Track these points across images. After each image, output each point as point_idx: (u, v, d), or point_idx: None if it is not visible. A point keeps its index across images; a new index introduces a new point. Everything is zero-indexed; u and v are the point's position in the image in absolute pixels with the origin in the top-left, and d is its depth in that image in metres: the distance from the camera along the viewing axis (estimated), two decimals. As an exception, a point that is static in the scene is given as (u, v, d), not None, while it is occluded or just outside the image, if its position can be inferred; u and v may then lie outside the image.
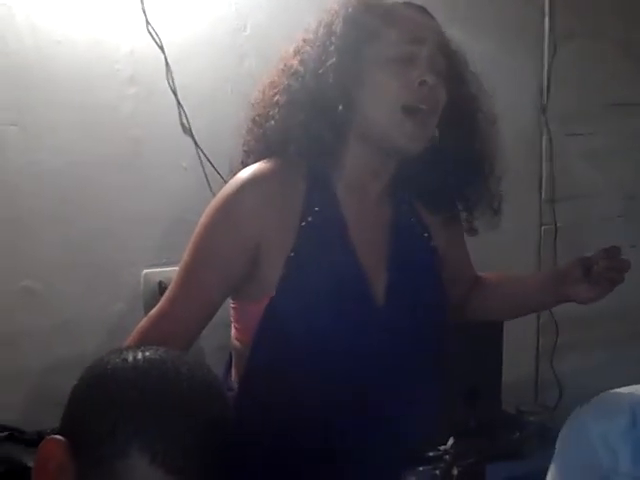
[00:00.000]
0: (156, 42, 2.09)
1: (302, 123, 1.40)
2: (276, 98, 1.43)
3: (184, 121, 2.15)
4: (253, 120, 1.49)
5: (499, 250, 2.46)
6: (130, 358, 0.97)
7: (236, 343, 1.52)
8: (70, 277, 2.07)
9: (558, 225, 2.71)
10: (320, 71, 1.40)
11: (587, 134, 2.70)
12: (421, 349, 1.49)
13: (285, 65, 1.46)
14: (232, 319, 1.53)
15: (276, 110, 1.43)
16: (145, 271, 2.15)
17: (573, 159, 2.69)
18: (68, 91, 2.02)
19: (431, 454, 1.33)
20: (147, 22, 2.07)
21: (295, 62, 1.44)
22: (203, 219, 1.44)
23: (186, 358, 1.02)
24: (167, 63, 2.10)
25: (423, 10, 1.47)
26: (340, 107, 1.39)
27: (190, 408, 0.94)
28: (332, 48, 1.41)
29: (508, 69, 2.44)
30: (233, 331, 1.53)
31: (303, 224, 1.42)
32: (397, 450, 1.52)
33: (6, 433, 1.94)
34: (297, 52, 1.45)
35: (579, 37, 2.63)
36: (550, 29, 2.61)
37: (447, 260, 1.59)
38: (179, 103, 2.13)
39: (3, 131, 1.99)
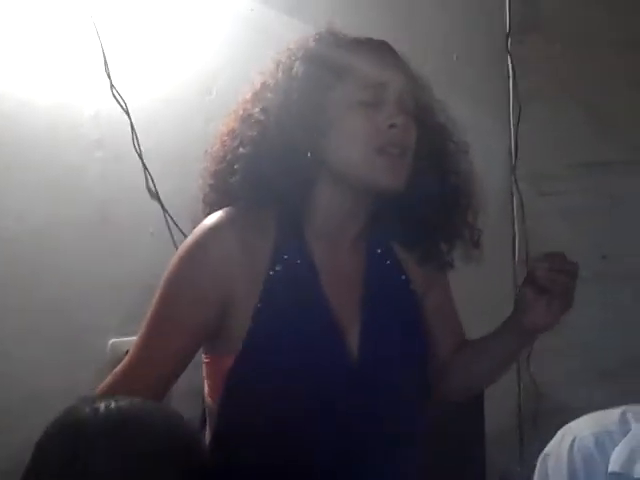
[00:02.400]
0: (121, 105, 2.08)
1: (270, 175, 1.35)
2: (239, 150, 1.39)
3: (150, 185, 2.12)
4: (214, 173, 1.43)
5: (474, 312, 2.42)
6: (102, 408, 0.92)
7: (208, 400, 1.45)
8: (33, 347, 2.00)
9: (534, 286, 2.67)
10: (284, 120, 1.36)
11: (558, 193, 2.69)
12: (400, 404, 1.42)
13: (244, 112, 1.41)
14: (204, 375, 1.46)
15: (241, 163, 1.38)
16: (112, 340, 2.08)
17: (545, 219, 2.68)
18: (31, 154, 1.99)
19: None
20: (112, 85, 2.06)
21: (256, 110, 1.39)
22: (167, 270, 1.39)
23: (161, 408, 0.97)
24: (132, 126, 2.08)
25: (386, 45, 1.44)
26: (309, 154, 1.35)
27: (165, 462, 0.90)
28: (295, 95, 1.37)
29: (475, 132, 2.44)
30: (206, 388, 1.46)
31: (271, 273, 1.36)
32: None
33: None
34: (257, 99, 1.41)
35: (543, 98, 2.66)
36: (514, 90, 2.64)
37: (428, 306, 1.52)
38: (145, 167, 2.11)
39: (-38, 196, 1.95)
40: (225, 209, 1.39)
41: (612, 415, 1.44)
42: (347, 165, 1.37)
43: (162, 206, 2.13)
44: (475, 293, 2.45)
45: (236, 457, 1.38)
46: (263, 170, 1.35)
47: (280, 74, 1.40)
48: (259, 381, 1.34)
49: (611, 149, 2.74)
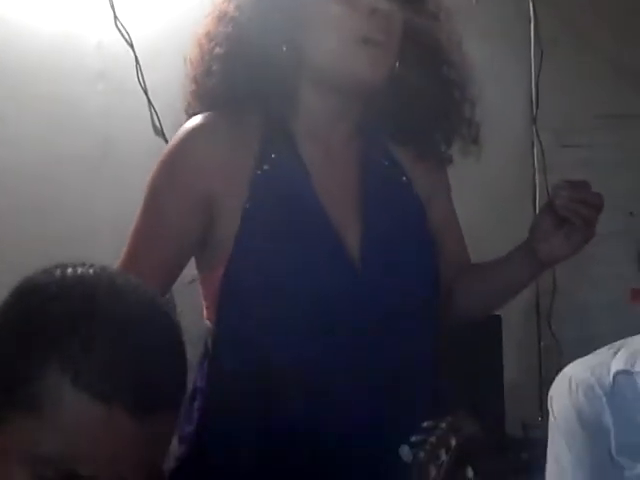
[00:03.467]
0: (125, 38, 2.03)
1: (247, 74, 1.29)
2: (215, 50, 1.32)
3: (155, 121, 2.07)
4: (194, 79, 1.36)
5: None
6: (58, 273, 0.84)
7: (206, 323, 1.37)
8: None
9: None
10: (257, 13, 1.29)
11: (581, 146, 2.61)
12: (408, 310, 1.32)
13: (220, 12, 1.33)
14: (202, 298, 1.39)
15: (218, 64, 1.31)
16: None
17: (567, 171, 2.58)
18: (33, 83, 1.95)
19: (424, 424, 1.16)
20: (115, 17, 2.01)
21: (231, 7, 1.32)
22: (151, 176, 1.33)
23: (129, 277, 0.89)
24: (137, 60, 2.03)
25: None
26: (284, 48, 1.28)
27: (123, 327, 0.81)
28: None
29: (496, 78, 2.37)
30: (204, 312, 1.38)
31: (258, 172, 1.29)
32: (383, 435, 1.30)
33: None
34: None
35: (566, 46, 2.57)
36: (535, 37, 2.55)
37: (431, 218, 1.42)
38: (150, 102, 2.05)
39: (-35, 127, 1.92)
40: (205, 113, 1.33)
41: (604, 350, 1.50)
42: (325, 58, 1.29)
43: (167, 143, 2.07)
44: (495, 245, 2.37)
45: (232, 375, 1.30)
46: (240, 69, 1.29)
47: None
48: (252, 287, 1.27)
49: (637, 102, 2.65)
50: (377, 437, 1.30)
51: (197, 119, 1.32)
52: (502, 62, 2.48)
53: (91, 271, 0.85)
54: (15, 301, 0.84)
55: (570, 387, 1.45)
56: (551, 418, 1.53)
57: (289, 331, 1.27)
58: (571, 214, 1.29)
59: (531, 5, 2.54)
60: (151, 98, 2.05)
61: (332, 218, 1.31)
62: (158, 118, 2.06)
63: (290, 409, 1.28)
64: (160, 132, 2.07)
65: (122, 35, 2.02)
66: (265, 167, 1.29)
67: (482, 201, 2.53)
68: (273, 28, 1.28)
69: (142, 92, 2.04)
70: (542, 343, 2.61)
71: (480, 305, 1.50)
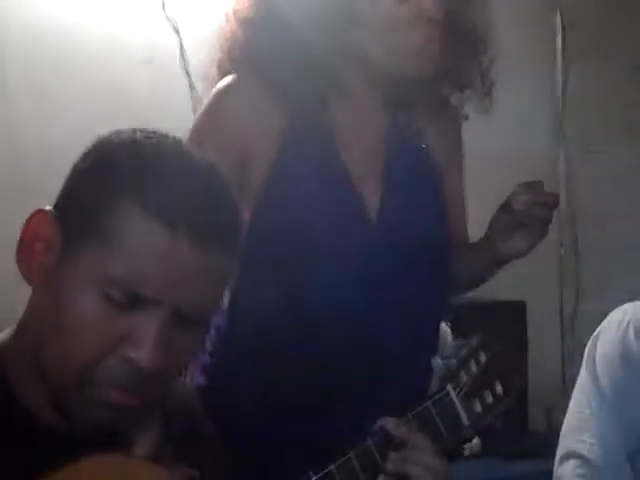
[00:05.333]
0: (172, 26, 2.14)
1: (287, 57, 1.34)
2: (259, 36, 1.35)
3: (196, 105, 2.16)
4: (229, 47, 1.39)
5: (517, 272, 2.39)
6: (128, 131, 0.90)
7: None
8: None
9: (579, 246, 2.64)
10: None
11: (606, 154, 2.67)
12: (419, 271, 1.38)
13: None
14: None
15: (258, 43, 1.36)
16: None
17: (593, 179, 2.65)
18: (83, 68, 2.07)
19: (455, 343, 1.20)
20: (163, 6, 2.12)
21: None
22: (187, 136, 1.36)
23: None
24: (182, 47, 2.14)
25: None
26: (334, 43, 1.34)
27: (187, 170, 0.88)
28: None
29: (522, 87, 2.45)
30: None
31: (288, 129, 1.36)
32: (396, 393, 1.34)
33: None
34: None
35: (592, 57, 2.65)
36: (563, 47, 2.64)
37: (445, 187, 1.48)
38: (191, 86, 2.15)
39: (17, 104, 2.02)
40: (238, 73, 1.37)
41: None
42: (386, 57, 1.36)
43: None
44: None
45: (251, 311, 1.35)
46: (281, 53, 1.34)
47: None
48: (274, 236, 1.34)
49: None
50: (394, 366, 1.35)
51: (232, 77, 1.37)
52: (529, 71, 2.56)
53: (159, 134, 0.91)
54: (88, 152, 0.90)
55: (621, 323, 1.42)
56: (589, 353, 1.46)
57: (306, 277, 1.33)
58: (529, 218, 1.33)
59: (559, 17, 2.64)
60: (193, 82, 2.15)
61: (353, 174, 1.37)
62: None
63: (306, 345, 1.33)
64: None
65: (170, 22, 2.14)
66: (294, 124, 1.35)
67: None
68: (320, 21, 1.32)
69: (186, 77, 2.14)
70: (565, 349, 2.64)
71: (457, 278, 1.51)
